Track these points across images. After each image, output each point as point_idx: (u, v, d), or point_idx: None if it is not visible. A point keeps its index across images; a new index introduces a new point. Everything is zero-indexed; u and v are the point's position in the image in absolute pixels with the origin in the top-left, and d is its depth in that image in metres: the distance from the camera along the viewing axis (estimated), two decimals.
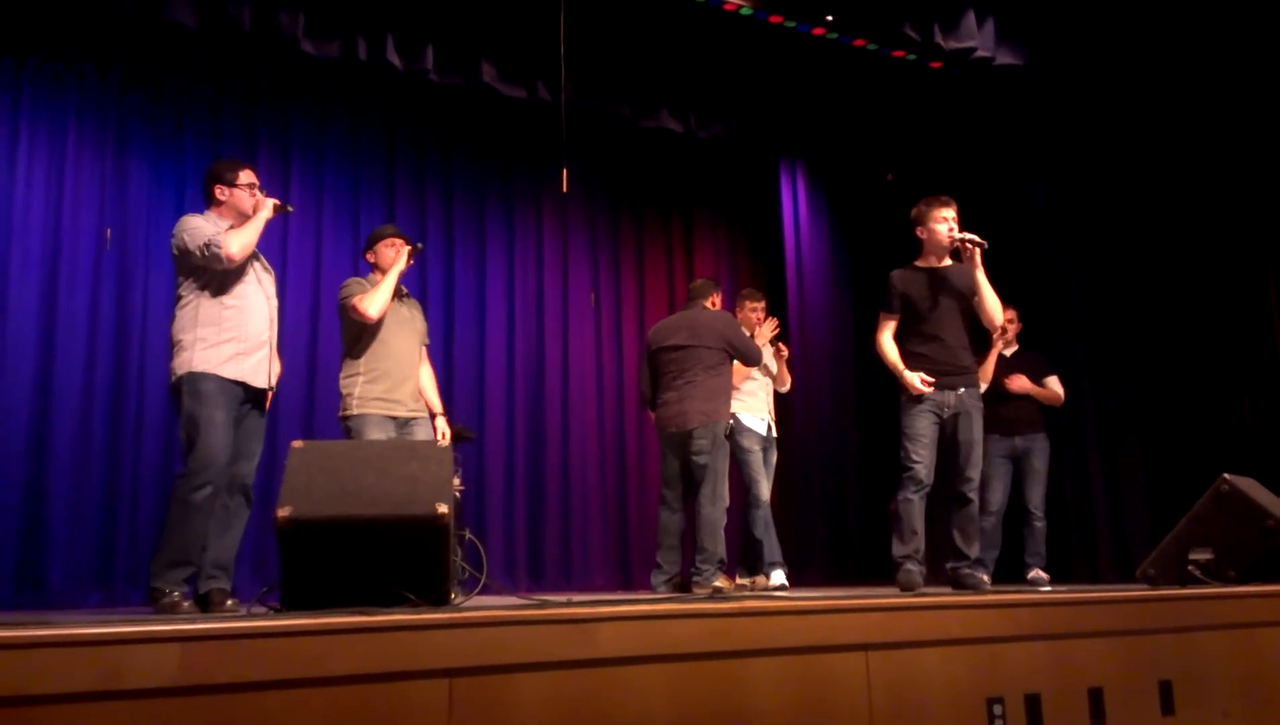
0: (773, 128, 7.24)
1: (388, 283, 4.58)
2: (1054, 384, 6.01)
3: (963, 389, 4.33)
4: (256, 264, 4.07)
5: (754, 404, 5.80)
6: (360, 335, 4.59)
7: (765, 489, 5.66)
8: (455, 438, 4.99)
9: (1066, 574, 6.17)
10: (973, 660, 2.71)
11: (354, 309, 4.53)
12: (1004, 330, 5.93)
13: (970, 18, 6.12)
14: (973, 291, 4.43)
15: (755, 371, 5.76)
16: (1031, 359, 6.04)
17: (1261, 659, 3.25)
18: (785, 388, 6.07)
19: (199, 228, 3.89)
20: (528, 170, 7.32)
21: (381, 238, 4.75)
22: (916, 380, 4.27)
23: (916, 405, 4.30)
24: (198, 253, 3.84)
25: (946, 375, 4.31)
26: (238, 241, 3.88)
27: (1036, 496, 5.78)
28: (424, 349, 4.89)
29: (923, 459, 4.25)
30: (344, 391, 4.59)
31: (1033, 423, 5.87)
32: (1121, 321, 6.43)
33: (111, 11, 5.51)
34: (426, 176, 7.05)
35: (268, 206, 4.04)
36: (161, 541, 3.72)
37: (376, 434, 4.46)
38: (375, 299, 4.53)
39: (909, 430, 4.31)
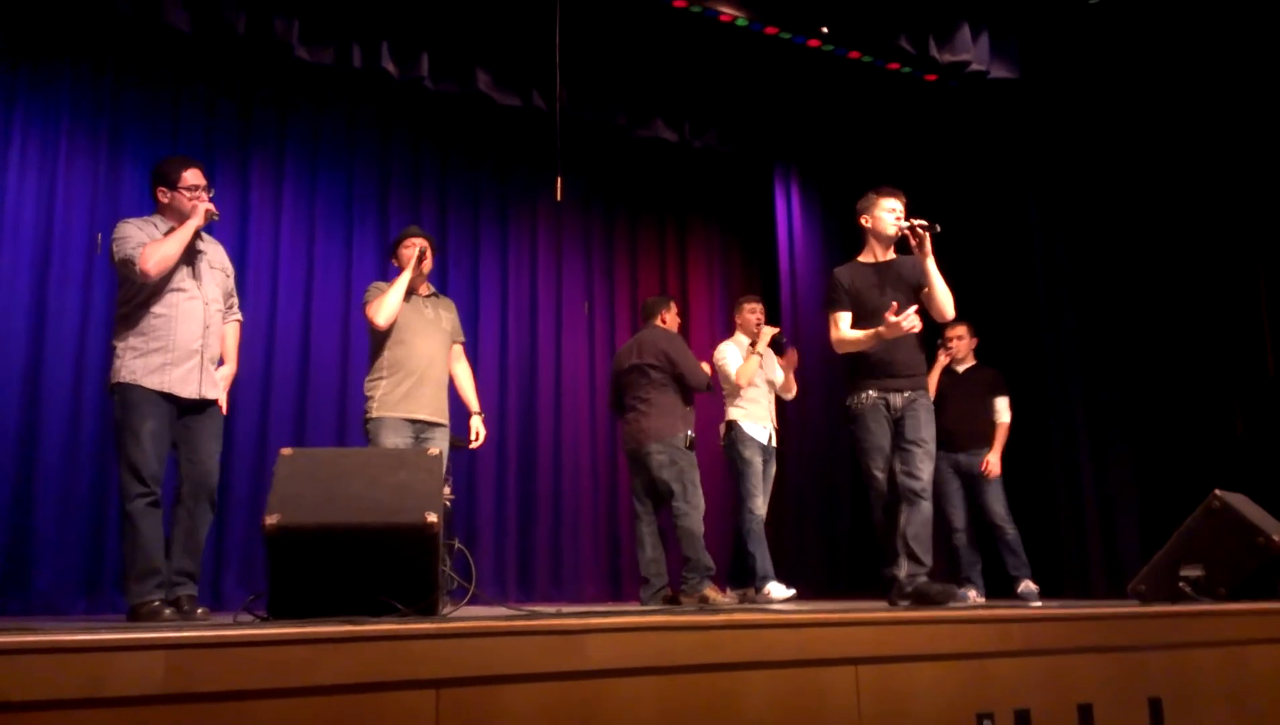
0: (767, 137, 7.27)
1: (396, 288, 4.57)
2: (1000, 407, 5.86)
3: (909, 392, 4.07)
4: (194, 269, 3.91)
5: (756, 412, 5.76)
6: (380, 340, 4.61)
7: (760, 503, 5.63)
8: (451, 447, 4.94)
9: (1058, 589, 6.17)
10: (963, 675, 2.70)
11: (366, 315, 4.59)
12: (950, 345, 5.91)
13: (965, 31, 6.16)
14: (922, 284, 4.15)
15: (757, 379, 5.75)
16: (985, 377, 5.92)
17: (1251, 676, 3.24)
18: (790, 395, 6.00)
19: (126, 237, 3.78)
20: (522, 178, 7.33)
21: (401, 240, 4.77)
22: (897, 321, 3.91)
23: (865, 412, 4.03)
24: (120, 265, 3.78)
25: (897, 377, 4.05)
26: (155, 257, 3.73)
27: (999, 508, 5.69)
28: (459, 347, 4.90)
29: (881, 473, 4.02)
30: (366, 394, 4.62)
31: (978, 438, 5.75)
32: (1114, 335, 6.44)
33: (107, 15, 5.51)
34: (421, 184, 7.05)
35: (199, 214, 3.87)
36: (124, 559, 3.67)
37: (393, 437, 4.46)
38: (383, 306, 4.53)
39: (864, 443, 4.05)
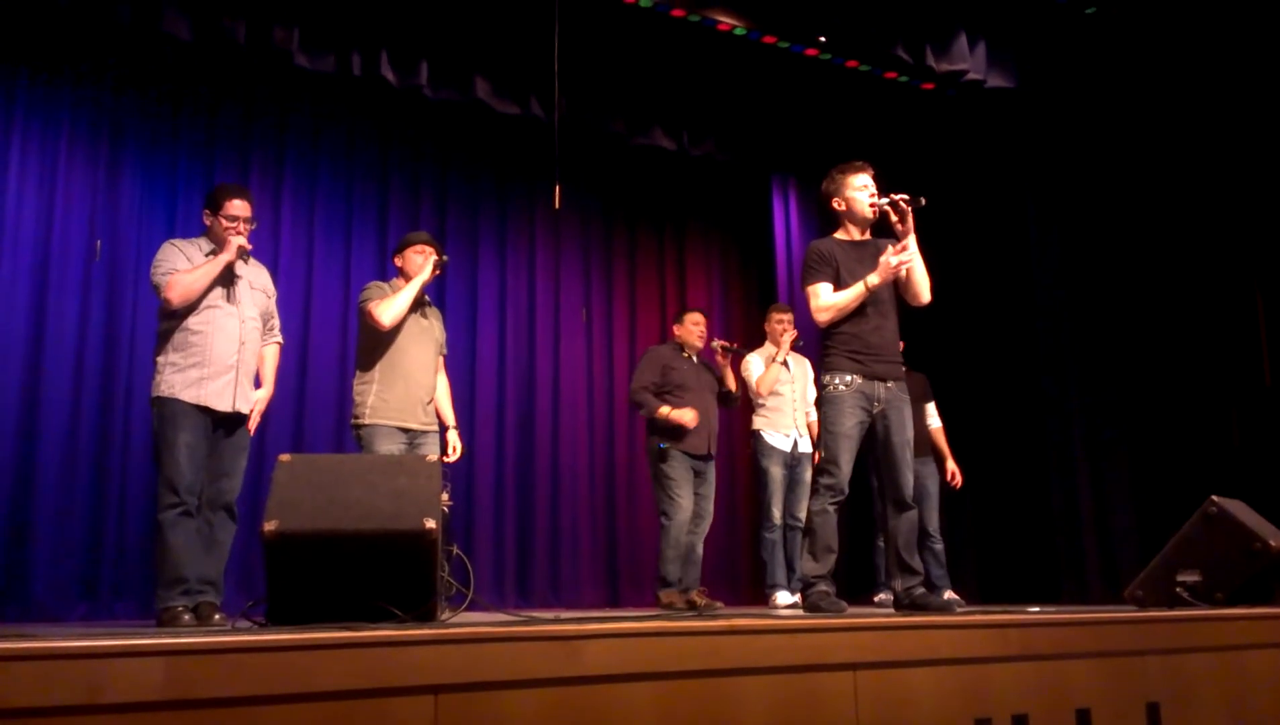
0: (765, 145, 7.29)
1: (408, 291, 4.52)
2: (932, 413, 6.01)
3: (891, 382, 3.85)
4: (233, 288, 4.06)
5: (778, 420, 5.79)
6: (376, 342, 4.54)
7: (776, 513, 5.68)
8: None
9: (1055, 595, 6.18)
10: (961, 680, 2.70)
11: (369, 314, 4.49)
12: None
13: (962, 41, 6.18)
14: None
15: (782, 388, 5.78)
16: (913, 382, 5.90)
17: (1249, 681, 3.25)
18: (729, 387, 5.80)
19: (161, 261, 3.97)
20: (521, 186, 7.33)
21: (412, 243, 4.70)
22: (888, 260, 3.75)
23: (843, 397, 3.78)
24: (153, 288, 3.99)
25: (878, 363, 3.83)
26: (179, 287, 3.91)
27: (934, 519, 5.79)
28: (441, 359, 4.85)
29: (845, 464, 3.74)
30: (356, 399, 4.56)
31: (922, 444, 5.70)
32: (1111, 341, 6.45)
33: (107, 23, 5.52)
34: (420, 191, 7.06)
35: (231, 250, 4.02)
36: (155, 565, 3.84)
37: (386, 445, 4.43)
38: (392, 306, 4.47)
39: (833, 427, 3.76)
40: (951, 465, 5.97)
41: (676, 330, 5.76)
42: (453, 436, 4.82)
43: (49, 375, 5.57)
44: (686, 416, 5.35)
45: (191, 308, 3.94)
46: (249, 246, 4.12)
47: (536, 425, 7.16)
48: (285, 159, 6.58)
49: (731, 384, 5.69)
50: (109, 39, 5.87)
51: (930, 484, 5.84)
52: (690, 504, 5.38)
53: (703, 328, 5.72)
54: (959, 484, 5.99)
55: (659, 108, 6.81)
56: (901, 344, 5.85)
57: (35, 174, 5.75)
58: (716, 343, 5.68)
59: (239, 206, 4.09)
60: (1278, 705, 3.26)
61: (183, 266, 3.95)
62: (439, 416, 4.80)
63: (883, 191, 3.99)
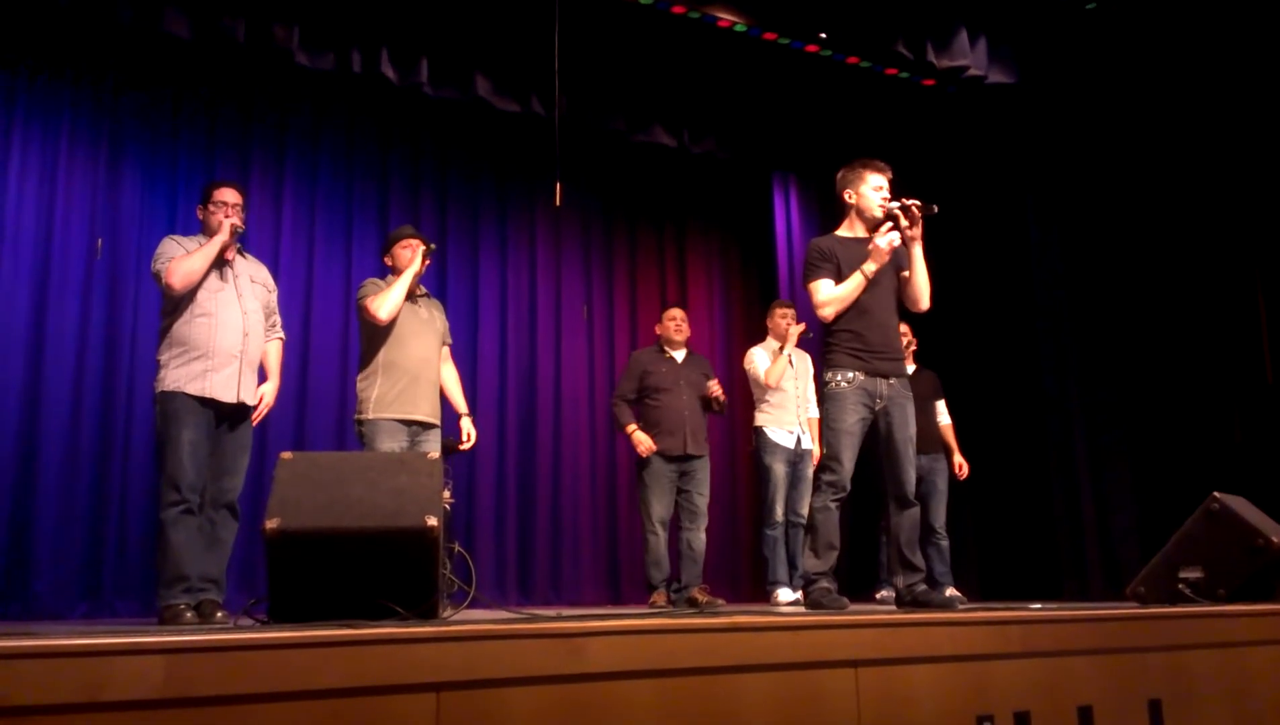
0: (766, 143, 7.28)
1: (400, 284, 4.56)
2: (943, 410, 6.10)
3: (894, 379, 3.85)
4: (234, 278, 4.08)
5: (781, 417, 5.79)
6: (376, 338, 4.58)
7: (778, 510, 5.68)
8: (446, 450, 4.96)
9: (1057, 592, 6.18)
10: (963, 678, 2.70)
11: (366, 310, 4.54)
12: None
13: (962, 37, 6.18)
14: (904, 266, 3.94)
15: (785, 384, 5.78)
16: (929, 380, 6.06)
17: (1250, 678, 3.25)
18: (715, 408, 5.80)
19: (160, 254, 4.00)
20: (522, 184, 7.33)
21: (398, 239, 4.75)
22: (878, 243, 3.82)
23: (845, 393, 3.79)
24: (154, 279, 4.01)
25: (880, 360, 3.83)
26: (179, 271, 3.92)
27: (941, 516, 5.83)
28: (447, 349, 4.89)
29: (847, 461, 3.76)
30: (360, 395, 4.59)
31: (933, 441, 5.90)
32: (1111, 340, 6.45)
33: (107, 23, 5.52)
34: (421, 189, 7.06)
35: (225, 230, 4.04)
36: (156, 563, 3.84)
37: (389, 440, 4.45)
38: (387, 300, 4.51)
39: (835, 423, 3.78)
40: (958, 457, 6.02)
41: (657, 329, 5.87)
42: (466, 423, 4.86)
43: (49, 375, 5.57)
44: (640, 446, 5.47)
45: (193, 301, 3.94)
46: (241, 226, 4.13)
47: (538, 423, 7.17)
48: (285, 158, 6.58)
49: (717, 396, 5.65)
50: (109, 39, 5.87)
51: (940, 481, 5.89)
52: (662, 512, 5.44)
53: (679, 321, 5.77)
54: (964, 475, 6.02)
55: (659, 105, 6.81)
56: (915, 343, 5.93)
57: (35, 174, 5.75)
58: (713, 385, 5.66)
59: (227, 193, 4.13)
60: (1279, 702, 3.26)
61: (180, 256, 3.98)
62: (451, 405, 4.83)
63: (895, 195, 3.99)
